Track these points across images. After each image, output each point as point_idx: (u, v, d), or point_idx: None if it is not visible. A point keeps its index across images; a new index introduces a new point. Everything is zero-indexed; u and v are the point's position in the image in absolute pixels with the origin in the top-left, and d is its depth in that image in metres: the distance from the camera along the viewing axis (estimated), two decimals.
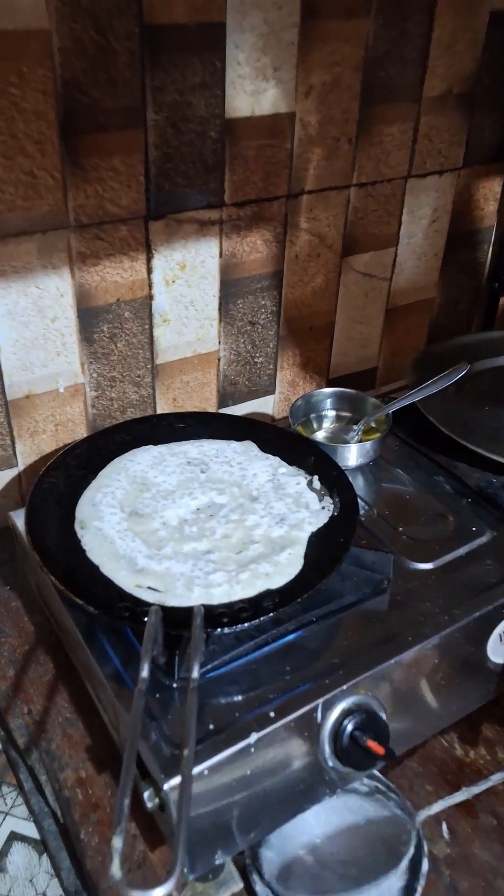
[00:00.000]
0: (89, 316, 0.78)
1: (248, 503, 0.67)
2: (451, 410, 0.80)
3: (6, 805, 0.67)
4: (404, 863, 0.55)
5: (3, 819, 0.66)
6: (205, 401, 0.92)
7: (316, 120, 0.81)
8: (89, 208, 0.72)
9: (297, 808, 0.57)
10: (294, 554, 0.62)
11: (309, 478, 0.70)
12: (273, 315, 0.91)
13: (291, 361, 0.96)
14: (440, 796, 0.61)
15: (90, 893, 0.59)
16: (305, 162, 0.83)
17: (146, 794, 0.51)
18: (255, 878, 0.56)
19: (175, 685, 0.56)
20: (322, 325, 0.95)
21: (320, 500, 0.68)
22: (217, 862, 0.54)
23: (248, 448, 0.74)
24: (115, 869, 0.37)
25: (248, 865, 0.57)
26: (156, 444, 0.75)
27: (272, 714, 0.54)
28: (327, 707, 0.55)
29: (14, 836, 0.65)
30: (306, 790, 0.57)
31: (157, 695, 0.55)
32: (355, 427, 0.79)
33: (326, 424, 0.83)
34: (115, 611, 0.56)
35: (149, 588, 0.58)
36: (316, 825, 0.58)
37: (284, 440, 0.76)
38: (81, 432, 0.84)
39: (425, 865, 0.56)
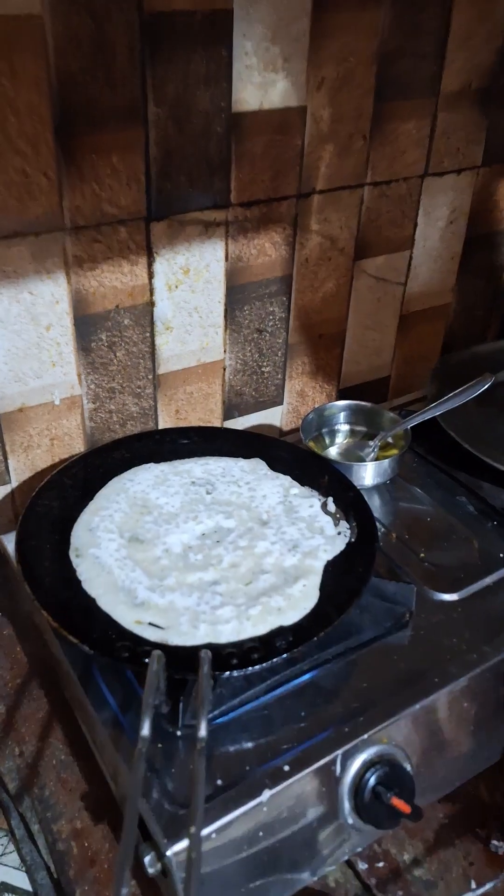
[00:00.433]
0: (86, 324, 0.73)
1: (258, 528, 0.62)
2: (474, 425, 0.75)
3: None
4: None
5: None
6: (209, 412, 0.87)
7: (328, 115, 0.76)
8: (86, 209, 0.67)
9: (313, 871, 0.52)
10: (309, 585, 0.57)
11: (323, 499, 0.65)
12: (281, 322, 0.86)
13: (300, 371, 0.91)
14: (467, 850, 0.56)
15: None
16: (316, 160, 0.78)
17: (147, 859, 0.46)
18: None
19: (179, 733, 0.51)
20: (333, 333, 0.90)
21: (336, 525, 0.63)
22: None
23: (257, 466, 0.69)
24: None
25: None
26: (157, 461, 0.70)
27: (286, 768, 0.49)
28: (347, 758, 0.50)
29: (5, 888, 0.60)
30: (322, 851, 0.52)
31: (160, 744, 0.50)
32: (371, 443, 0.74)
33: (340, 440, 0.78)
34: (113, 650, 0.51)
35: (150, 624, 0.53)
36: None
37: (296, 457, 0.71)
38: (79, 447, 0.79)
39: None
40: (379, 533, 0.67)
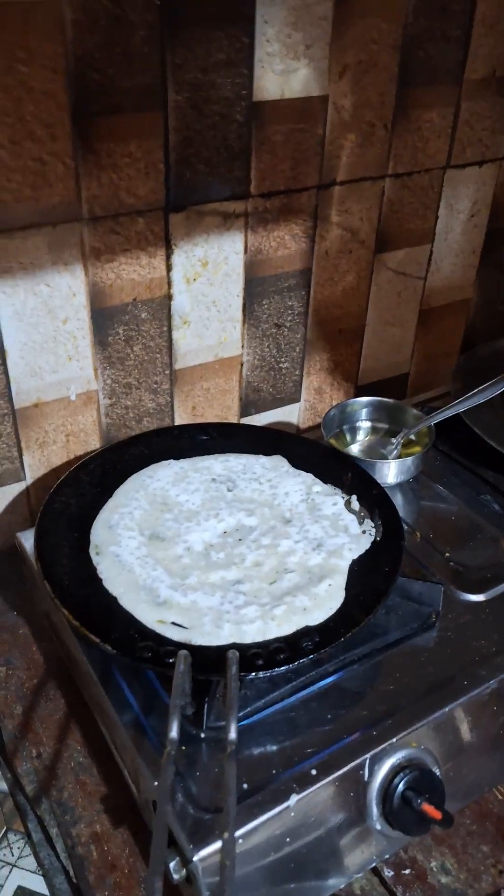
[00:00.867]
0: (103, 317, 0.72)
1: (281, 526, 0.60)
2: (499, 421, 0.73)
3: (13, 856, 0.61)
4: None
5: (10, 872, 0.60)
6: (226, 409, 0.85)
7: (350, 103, 0.74)
8: (103, 199, 0.66)
9: (339, 879, 0.51)
10: (334, 585, 0.55)
11: (346, 497, 0.63)
12: (300, 317, 0.84)
13: (318, 367, 0.89)
14: (497, 858, 0.55)
15: None
16: (338, 149, 0.76)
17: (172, 865, 0.45)
18: None
19: (203, 735, 0.50)
20: (352, 328, 0.89)
21: (360, 524, 0.61)
22: None
23: (279, 463, 0.68)
24: None
25: None
26: (176, 458, 0.68)
27: (314, 772, 0.48)
28: (375, 763, 0.49)
29: (22, 892, 0.59)
30: (349, 858, 0.51)
31: (183, 747, 0.49)
32: (394, 440, 0.72)
33: (361, 437, 0.76)
34: (135, 651, 0.50)
35: (173, 624, 0.52)
36: None
37: (317, 454, 0.69)
38: (94, 443, 0.78)
39: None
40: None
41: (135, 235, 0.69)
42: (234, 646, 0.50)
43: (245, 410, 0.86)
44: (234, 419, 0.86)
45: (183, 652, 0.47)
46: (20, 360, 0.69)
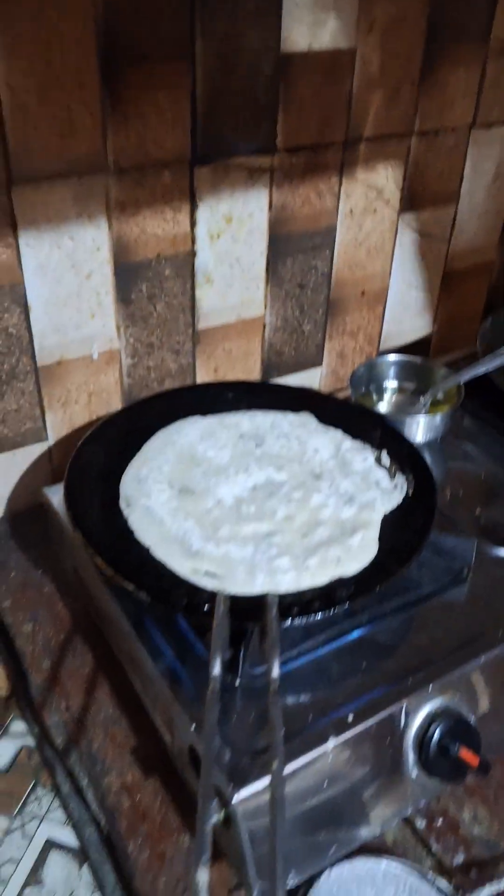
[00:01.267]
0: (127, 273, 0.71)
1: (311, 481, 0.60)
2: None
3: (41, 809, 0.61)
4: None
5: (39, 825, 0.60)
6: (248, 373, 0.84)
7: (378, 58, 0.73)
8: (129, 150, 0.65)
9: (373, 828, 0.51)
10: (367, 538, 0.55)
11: (377, 453, 0.63)
12: (323, 277, 0.83)
13: (341, 330, 0.88)
14: None
15: None
16: (365, 104, 0.75)
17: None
18: None
19: (238, 682, 0.50)
20: (375, 290, 0.88)
21: (392, 478, 0.60)
22: (290, 884, 0.48)
23: (306, 420, 0.67)
24: None
25: None
26: (203, 415, 0.68)
27: (350, 718, 0.47)
28: (411, 710, 0.49)
29: (51, 845, 0.59)
30: (383, 807, 0.51)
31: None
32: (422, 398, 0.72)
33: (388, 397, 0.76)
34: (170, 599, 0.49)
35: (206, 573, 0.52)
36: None
37: (344, 412, 0.69)
38: (116, 404, 0.77)
39: None
40: None
41: (160, 188, 0.68)
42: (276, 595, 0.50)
43: (267, 374, 0.86)
44: None
45: (222, 595, 0.46)
46: (43, 315, 0.69)
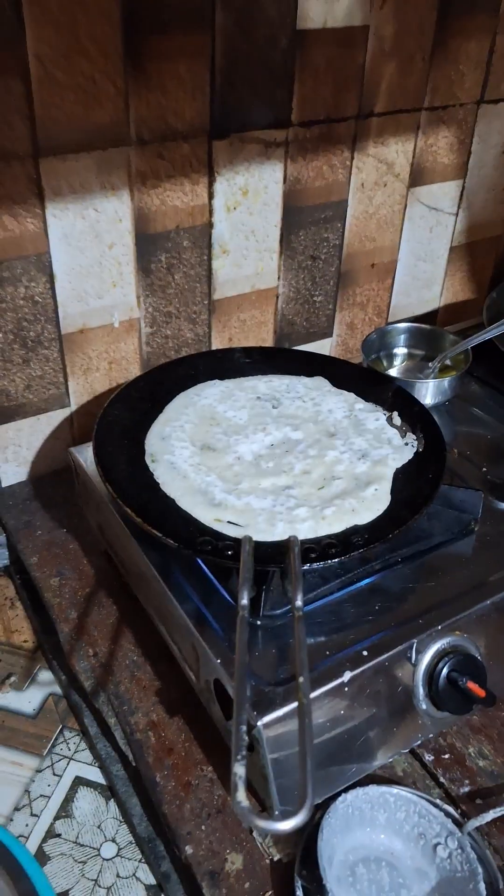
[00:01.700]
0: (147, 243, 0.73)
1: (326, 439, 0.63)
2: None
3: (69, 750, 0.65)
4: None
5: (68, 764, 0.64)
6: (261, 342, 0.87)
7: (391, 32, 0.75)
8: (151, 121, 0.67)
9: (382, 757, 0.54)
10: (380, 490, 0.58)
11: (388, 414, 0.66)
12: (335, 249, 0.85)
13: (351, 301, 0.91)
14: None
15: (165, 839, 0.57)
16: (377, 79, 0.77)
17: None
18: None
19: (259, 623, 0.53)
20: (385, 262, 0.90)
21: (402, 437, 0.63)
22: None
23: (320, 383, 0.70)
24: (242, 797, 0.34)
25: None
26: (221, 378, 0.71)
27: (365, 653, 0.51)
28: (422, 647, 0.52)
29: (79, 782, 0.63)
30: (393, 738, 0.54)
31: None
32: (430, 364, 0.74)
33: (398, 363, 0.78)
34: (196, 545, 0.53)
35: (229, 522, 0.55)
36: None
37: (357, 376, 0.71)
38: (135, 371, 0.80)
39: None
40: None
41: (179, 160, 0.71)
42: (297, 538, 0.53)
43: (279, 343, 0.88)
44: None
45: (246, 535, 0.50)
46: (67, 283, 0.71)
